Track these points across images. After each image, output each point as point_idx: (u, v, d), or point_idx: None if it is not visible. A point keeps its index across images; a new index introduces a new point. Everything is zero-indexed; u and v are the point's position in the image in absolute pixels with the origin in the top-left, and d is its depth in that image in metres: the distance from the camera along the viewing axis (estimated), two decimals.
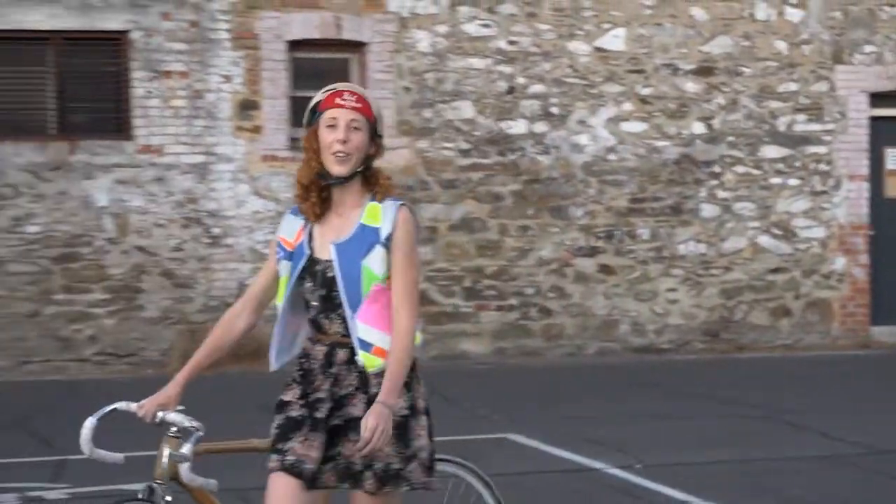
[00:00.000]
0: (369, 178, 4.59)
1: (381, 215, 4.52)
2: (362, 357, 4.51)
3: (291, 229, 4.64)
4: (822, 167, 18.33)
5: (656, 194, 17.73)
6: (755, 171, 18.09)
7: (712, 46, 17.89)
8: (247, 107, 16.40)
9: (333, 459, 4.56)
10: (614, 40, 17.56)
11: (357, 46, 16.82)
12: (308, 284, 4.58)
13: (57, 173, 15.89)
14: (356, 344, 4.50)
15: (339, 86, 4.64)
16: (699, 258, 17.91)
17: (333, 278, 4.50)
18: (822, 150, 18.32)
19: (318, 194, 4.52)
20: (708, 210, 17.94)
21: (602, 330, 17.57)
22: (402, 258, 4.55)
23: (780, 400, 13.71)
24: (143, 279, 16.10)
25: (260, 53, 16.40)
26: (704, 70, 17.87)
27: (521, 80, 17.26)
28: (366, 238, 4.49)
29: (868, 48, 18.48)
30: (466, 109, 17.06)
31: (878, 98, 18.60)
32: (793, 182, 18.20)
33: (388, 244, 4.50)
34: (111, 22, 15.98)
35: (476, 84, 17.08)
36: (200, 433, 4.58)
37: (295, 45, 16.54)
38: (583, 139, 17.48)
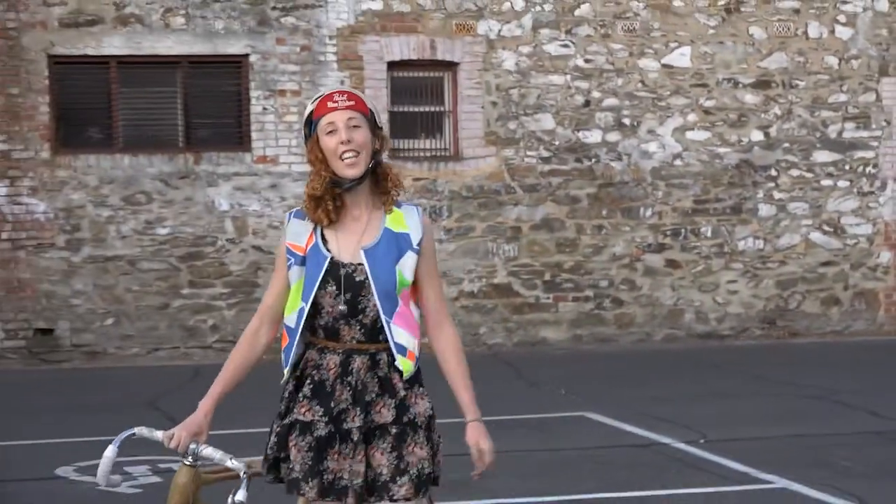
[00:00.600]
0: (378, 174, 4.08)
1: (406, 221, 4.10)
2: (400, 362, 4.04)
3: (300, 233, 4.10)
4: (870, 170, 18.11)
5: (718, 196, 17.58)
6: (808, 175, 17.89)
7: (769, 62, 17.69)
8: None
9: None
10: (680, 57, 17.41)
11: (449, 66, 16.76)
12: (331, 288, 4.02)
13: (184, 181, 15.98)
14: (394, 349, 4.03)
15: (327, 90, 4.19)
16: (757, 253, 17.75)
17: (363, 282, 4.00)
18: (869, 154, 18.09)
19: (332, 201, 4.01)
20: (765, 210, 17.76)
21: (669, 318, 17.46)
22: (432, 265, 4.19)
23: (831, 381, 13.60)
24: (259, 275, 16.13)
25: (363, 73, 16.38)
26: (762, 83, 17.67)
27: (596, 95, 17.14)
28: (395, 243, 4.05)
29: None
30: (547, 121, 16.97)
31: None
32: (842, 184, 17.99)
33: (419, 250, 4.08)
34: (232, 47, 16.02)
35: (556, 98, 16.98)
36: (248, 473, 3.89)
37: (394, 65, 16.50)
38: (652, 147, 17.35)
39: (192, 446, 3.92)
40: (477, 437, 4.06)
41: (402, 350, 4.02)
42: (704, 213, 17.58)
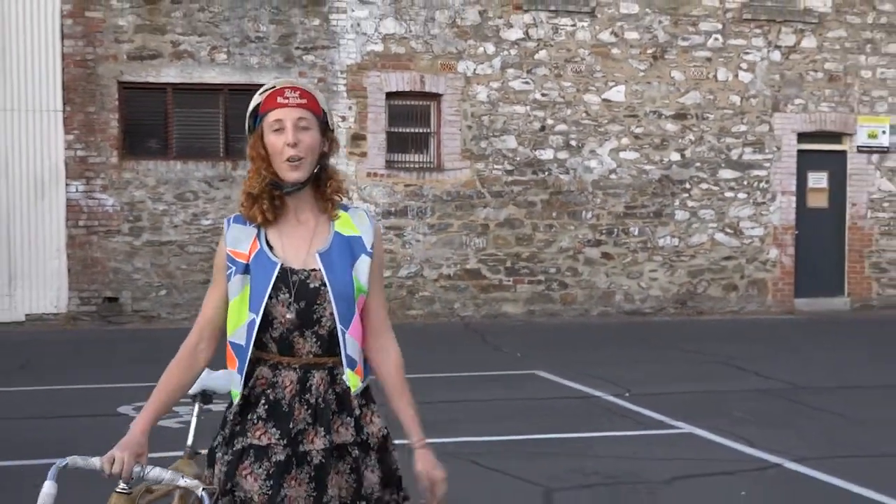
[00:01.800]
0: (321, 179, 3.10)
1: (356, 223, 3.13)
2: (349, 377, 3.04)
3: (241, 239, 3.06)
4: (763, 185, 18.18)
5: (643, 203, 17.62)
6: (714, 188, 17.95)
7: (686, 98, 17.73)
8: (357, 138, 16.37)
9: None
10: (616, 94, 17.44)
11: (435, 97, 16.74)
12: (284, 296, 3.00)
13: (223, 183, 15.96)
14: (344, 361, 3.03)
15: (279, 83, 3.10)
16: (673, 248, 17.81)
17: (318, 289, 3.00)
18: (762, 173, 18.16)
19: (269, 201, 3.03)
20: (680, 214, 17.81)
21: (603, 299, 17.50)
22: (380, 274, 3.20)
23: (729, 350, 13.63)
24: None
25: (367, 101, 16.37)
26: (680, 115, 17.72)
27: (549, 121, 17.16)
28: (347, 247, 3.08)
29: (797, 101, 18.28)
30: (511, 141, 16.99)
31: (803, 136, 18.40)
32: (741, 196, 18.07)
33: (372, 253, 3.11)
34: (264, 78, 15.87)
35: (518, 124, 17.00)
36: (207, 490, 2.89)
37: (391, 95, 16.48)
38: (592, 163, 17.37)
39: (137, 469, 2.90)
40: (428, 467, 3.11)
41: (352, 363, 3.05)
42: (632, 217, 17.61)
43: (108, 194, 15.64)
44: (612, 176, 17.48)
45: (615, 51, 17.40)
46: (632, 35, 17.45)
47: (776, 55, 18.13)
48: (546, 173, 17.17)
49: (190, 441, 4.09)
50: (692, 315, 17.73)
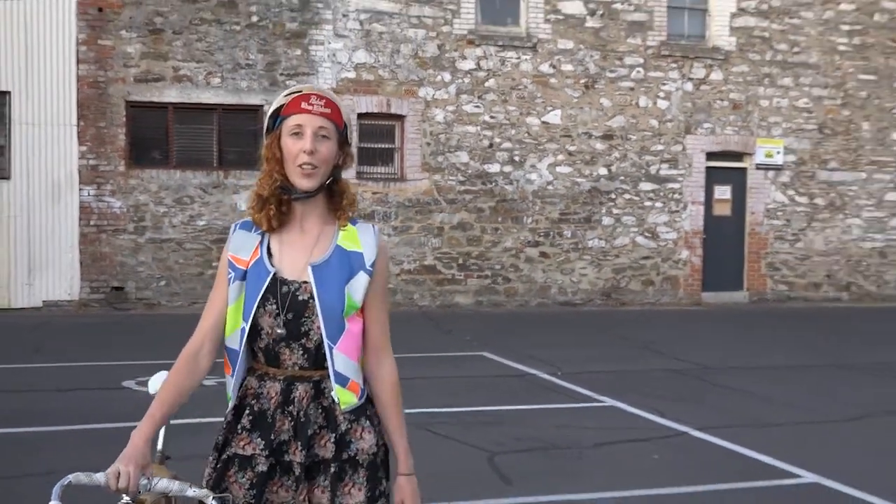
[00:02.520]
0: (334, 191, 2.69)
1: (360, 239, 2.68)
2: (338, 393, 2.62)
3: (244, 245, 2.66)
4: (676, 196, 18.34)
5: (575, 210, 17.73)
6: (636, 198, 18.08)
7: (612, 122, 17.85)
8: None
9: None
10: (554, 117, 17.52)
11: (399, 117, 16.74)
12: (271, 307, 2.59)
13: (216, 189, 15.89)
14: (333, 378, 2.61)
15: (305, 88, 2.65)
16: (600, 249, 17.92)
17: (306, 302, 2.59)
18: (676, 185, 18.32)
19: (276, 206, 2.63)
20: (606, 220, 17.93)
21: (540, 291, 17.57)
22: (381, 290, 2.72)
23: (646, 336, 13.78)
24: None
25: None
26: (607, 136, 17.84)
27: (497, 140, 17.21)
28: (346, 262, 2.64)
29: (706, 125, 18.46)
30: (463, 157, 17.03)
31: (710, 155, 18.54)
32: (658, 205, 18.21)
33: (371, 272, 2.66)
34: (252, 99, 15.95)
35: (470, 141, 17.04)
36: (217, 498, 2.49)
37: (362, 115, 16.42)
38: (533, 176, 17.45)
39: (144, 482, 2.43)
40: (406, 496, 2.70)
41: (343, 380, 2.62)
42: (566, 222, 17.71)
43: (116, 198, 15.51)
44: (549, 187, 17.57)
45: (553, 80, 17.49)
46: (567, 67, 17.55)
47: (689, 86, 18.30)
48: (493, 184, 17.22)
49: (160, 446, 3.56)
50: (616, 306, 17.84)
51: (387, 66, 16.60)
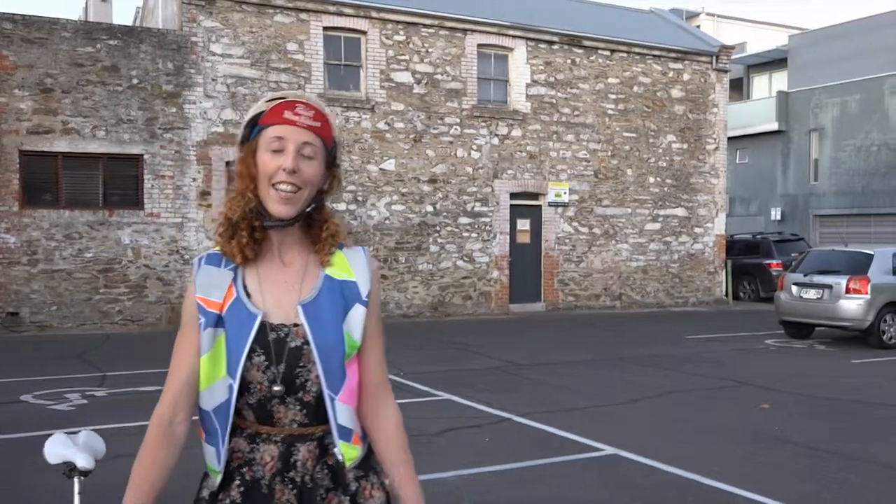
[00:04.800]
0: (313, 220, 1.85)
1: (352, 266, 1.87)
2: (342, 449, 1.81)
3: (214, 284, 1.80)
4: (488, 228, 18.56)
5: (408, 240, 17.68)
6: (456, 230, 18.19)
7: (436, 168, 17.93)
8: (204, 193, 15.68)
9: None
10: (389, 164, 17.45)
11: None
12: (258, 359, 1.76)
13: (102, 226, 14.93)
14: (336, 434, 1.80)
15: (290, 94, 1.82)
16: (429, 271, 17.91)
17: (300, 349, 1.76)
18: (487, 219, 18.54)
19: (248, 232, 1.80)
20: (433, 248, 17.95)
21: (382, 306, 17.34)
22: (377, 323, 1.90)
23: (468, 340, 13.72)
24: (147, 283, 15.25)
25: (211, 167, 15.72)
26: (432, 180, 17.89)
27: (343, 184, 16.69)
28: (339, 294, 1.81)
29: (509, 171, 18.79)
30: None
31: (514, 195, 18.87)
32: (474, 235, 18.38)
33: (367, 302, 1.85)
34: (134, 149, 15.12)
35: None
36: None
37: (230, 163, 15.86)
38: (373, 213, 17.29)
39: None
40: None
41: (347, 434, 1.81)
42: (401, 250, 17.62)
43: (11, 234, 14.34)
44: (387, 221, 17.45)
45: (388, 135, 17.42)
46: (399, 125, 17.52)
47: (495, 140, 18.60)
48: (341, 220, 16.90)
49: None
50: (442, 317, 17.84)
51: None
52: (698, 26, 32.18)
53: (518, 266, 18.85)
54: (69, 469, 2.18)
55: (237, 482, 1.80)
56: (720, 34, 32.57)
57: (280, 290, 1.82)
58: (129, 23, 22.23)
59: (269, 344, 1.76)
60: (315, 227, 1.86)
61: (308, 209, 1.83)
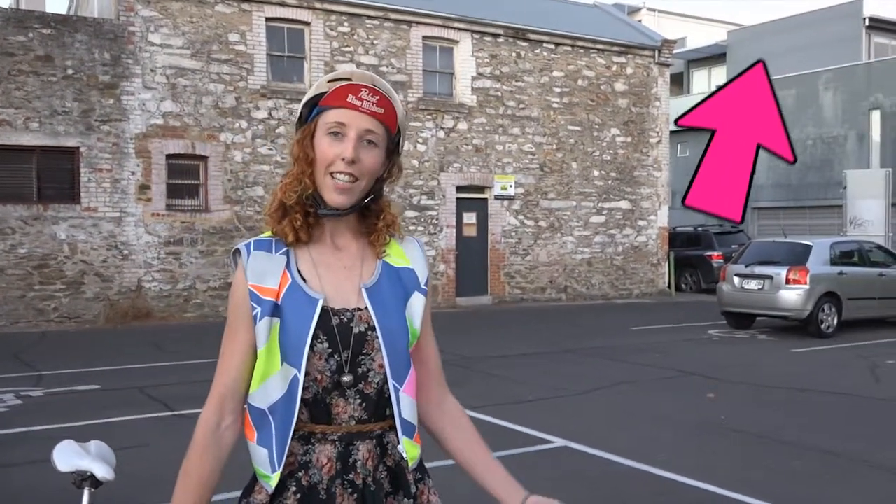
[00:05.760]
0: (370, 210, 1.73)
1: (408, 254, 1.76)
2: (406, 447, 1.67)
3: (268, 270, 1.65)
4: (434, 221, 18.50)
5: None
6: (403, 223, 17.64)
7: None
8: (143, 187, 15.30)
9: None
10: None
11: (203, 158, 15.89)
12: (321, 346, 1.61)
13: (37, 221, 14.47)
14: (400, 429, 1.66)
15: (356, 74, 1.67)
16: None
17: (364, 335, 1.63)
18: (434, 213, 18.49)
19: (303, 215, 1.68)
20: None
21: None
22: (429, 313, 1.79)
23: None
24: (84, 279, 14.83)
25: (151, 160, 15.33)
26: None
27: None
28: (399, 282, 1.71)
29: (455, 164, 18.76)
30: (259, 190, 16.40)
31: (460, 188, 18.85)
32: (420, 228, 18.29)
33: (426, 291, 1.75)
34: (70, 141, 14.67)
35: (265, 178, 16.45)
36: None
37: (170, 156, 15.54)
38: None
39: None
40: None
41: (410, 430, 1.68)
42: None
43: None
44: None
45: None
46: None
47: (441, 133, 18.55)
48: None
49: None
50: None
51: (191, 115, 15.76)
52: (640, 21, 32.57)
53: (465, 259, 18.83)
54: (81, 479, 2.06)
55: (293, 489, 1.63)
56: (661, 29, 33.03)
57: (338, 275, 1.69)
58: (64, 11, 21.58)
59: (333, 329, 1.62)
60: (371, 215, 1.75)
61: (366, 199, 1.71)
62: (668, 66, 22.00)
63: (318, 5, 16.95)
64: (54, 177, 14.74)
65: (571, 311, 18.21)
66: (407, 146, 17.90)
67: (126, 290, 15.04)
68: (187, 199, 15.90)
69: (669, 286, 22.05)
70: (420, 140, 18.21)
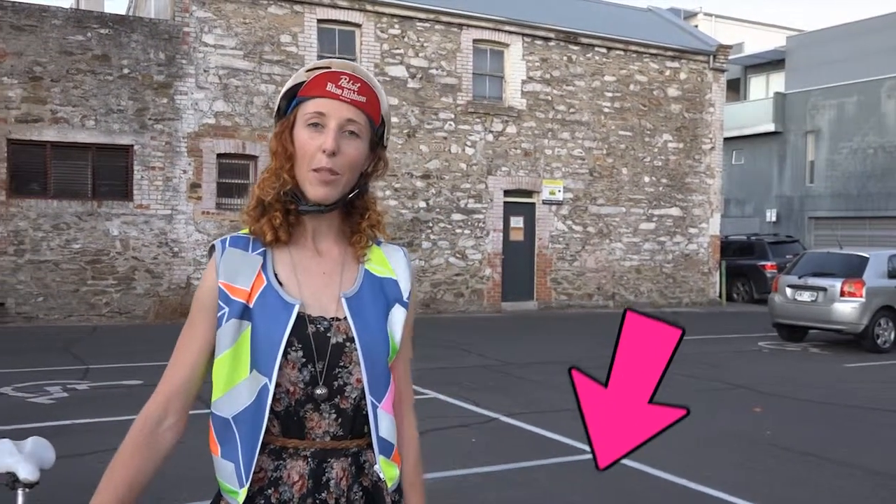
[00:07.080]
0: (354, 207, 1.62)
1: (392, 263, 1.64)
2: (383, 467, 1.56)
3: (241, 269, 1.52)
4: (481, 225, 18.45)
5: (401, 236, 17.52)
6: (449, 226, 18.08)
7: (430, 164, 17.80)
8: (194, 186, 15.53)
9: None
10: None
11: (253, 157, 16.05)
12: (295, 354, 1.48)
13: (91, 217, 14.77)
14: (377, 447, 1.55)
15: (336, 63, 1.56)
16: (421, 268, 17.77)
17: (341, 346, 1.51)
18: (481, 216, 18.43)
19: (282, 213, 1.56)
20: (426, 244, 17.83)
21: None
22: (411, 329, 1.69)
23: (460, 338, 13.58)
24: (135, 275, 15.09)
25: (202, 160, 15.56)
26: (426, 176, 17.77)
27: None
28: (381, 292, 1.59)
29: (503, 168, 18.68)
30: None
31: (507, 192, 18.76)
32: (467, 232, 18.26)
33: (408, 304, 1.63)
34: (124, 140, 14.95)
35: None
36: None
37: (220, 155, 15.74)
38: None
39: None
40: None
41: (388, 450, 1.58)
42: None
43: None
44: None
45: None
46: (393, 119, 17.36)
47: (490, 137, 18.49)
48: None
49: None
50: (434, 314, 17.71)
51: (242, 115, 15.95)
52: (696, 26, 32.08)
53: (511, 264, 18.74)
54: (12, 480, 1.95)
55: None
56: (717, 34, 32.47)
57: (317, 281, 1.57)
58: (122, 12, 22.05)
59: (309, 338, 1.50)
60: (355, 214, 1.63)
61: (350, 195, 1.60)
62: (723, 71, 21.61)
63: (369, 7, 17.04)
64: (108, 174, 15.04)
65: (619, 318, 17.93)
66: (455, 149, 17.87)
67: (175, 287, 15.27)
68: (236, 198, 16.09)
69: (720, 296, 21.65)
70: (468, 143, 18.18)
